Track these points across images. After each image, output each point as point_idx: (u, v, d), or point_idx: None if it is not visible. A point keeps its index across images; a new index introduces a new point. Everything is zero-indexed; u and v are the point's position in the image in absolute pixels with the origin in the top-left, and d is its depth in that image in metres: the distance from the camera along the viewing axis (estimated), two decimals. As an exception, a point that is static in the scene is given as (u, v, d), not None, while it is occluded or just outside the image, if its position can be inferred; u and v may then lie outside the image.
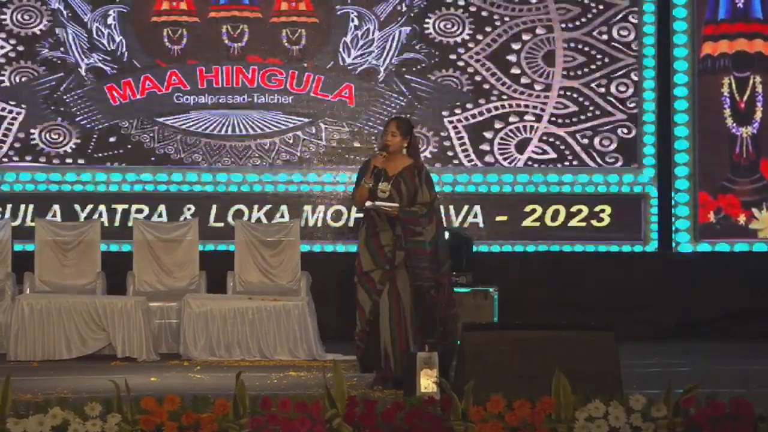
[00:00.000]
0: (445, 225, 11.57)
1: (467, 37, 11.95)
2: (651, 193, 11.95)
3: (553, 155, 11.95)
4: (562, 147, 11.95)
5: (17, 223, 11.61)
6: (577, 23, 11.99)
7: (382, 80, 11.96)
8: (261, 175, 11.88)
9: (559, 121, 11.95)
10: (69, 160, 11.80)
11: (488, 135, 11.93)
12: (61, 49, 11.81)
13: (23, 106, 11.81)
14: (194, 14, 11.96)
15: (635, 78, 11.99)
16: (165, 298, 10.69)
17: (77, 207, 11.78)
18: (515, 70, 11.95)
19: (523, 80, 11.94)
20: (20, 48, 11.80)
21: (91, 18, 11.86)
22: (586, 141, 11.95)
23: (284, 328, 10.18)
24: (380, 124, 11.47)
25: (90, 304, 10.14)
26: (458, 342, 8.24)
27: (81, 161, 11.81)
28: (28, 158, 11.80)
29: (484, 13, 11.97)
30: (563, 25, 11.97)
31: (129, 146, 11.85)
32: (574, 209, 11.95)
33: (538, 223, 11.95)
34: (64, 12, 11.83)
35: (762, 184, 11.94)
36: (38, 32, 11.81)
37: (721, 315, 11.68)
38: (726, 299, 11.65)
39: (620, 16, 12.01)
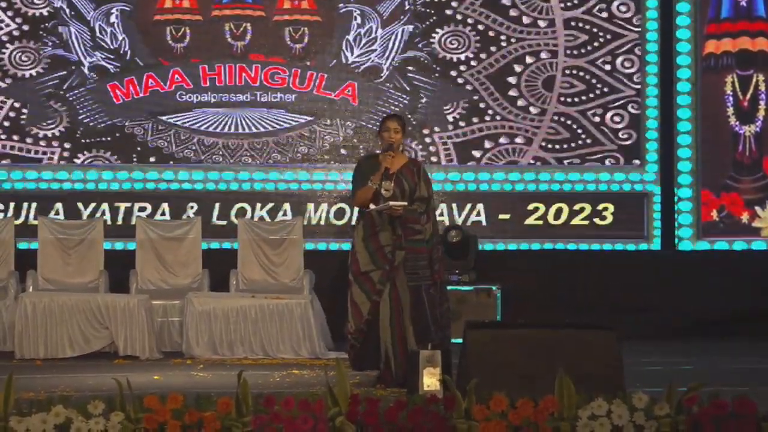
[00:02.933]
0: (448, 222, 11.64)
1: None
2: (654, 191, 11.95)
3: (557, 152, 11.96)
4: (571, 131, 11.94)
5: (20, 221, 11.62)
6: (577, 4, 12.01)
7: (385, 78, 11.96)
8: (264, 173, 11.88)
9: (566, 100, 11.96)
10: (72, 158, 11.80)
11: (512, 80, 11.90)
12: (64, 47, 11.82)
13: (26, 104, 11.81)
14: (197, 12, 11.96)
15: (638, 73, 11.98)
16: (168, 296, 10.70)
17: (80, 205, 11.79)
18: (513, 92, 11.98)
19: (520, 103, 11.97)
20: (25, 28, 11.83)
21: (93, 16, 11.86)
22: (597, 119, 11.95)
23: (287, 326, 10.18)
24: (383, 123, 11.47)
25: (93, 302, 10.14)
26: (450, 339, 8.29)
27: (83, 159, 11.81)
28: (31, 156, 11.80)
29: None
30: (567, 51, 11.99)
31: (132, 144, 11.85)
32: (577, 207, 11.95)
33: (540, 222, 11.95)
34: (67, 10, 11.83)
35: (765, 182, 11.93)
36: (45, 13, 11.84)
37: (724, 313, 11.66)
38: (729, 297, 11.64)
39: (623, 13, 12.01)
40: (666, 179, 11.96)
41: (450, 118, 11.94)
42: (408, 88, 11.95)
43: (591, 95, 11.99)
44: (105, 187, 11.80)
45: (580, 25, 11.99)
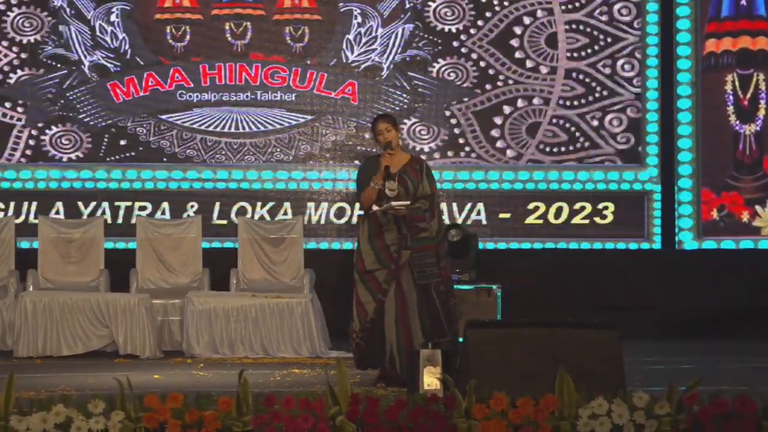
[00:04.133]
0: (448, 221, 11.64)
1: (468, 24, 11.97)
2: (654, 190, 11.95)
3: (555, 155, 11.96)
4: (571, 130, 11.93)
5: (20, 220, 11.62)
6: (578, 4, 12.00)
7: (385, 77, 11.96)
8: (264, 172, 11.89)
9: (567, 104, 11.95)
10: (72, 158, 11.81)
11: (498, 121, 11.92)
12: (65, 46, 11.82)
13: (26, 103, 11.81)
14: (197, 11, 11.96)
15: (638, 74, 11.98)
16: (168, 296, 10.70)
17: (80, 204, 11.79)
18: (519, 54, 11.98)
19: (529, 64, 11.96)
20: (23, 55, 11.83)
21: (94, 15, 11.86)
22: (596, 123, 11.95)
23: (287, 325, 10.19)
24: (383, 122, 11.47)
25: (93, 302, 10.14)
26: (458, 335, 8.29)
27: (84, 158, 11.82)
28: (32, 156, 11.81)
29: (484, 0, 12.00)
30: (563, 8, 11.98)
31: (132, 143, 11.85)
32: (577, 206, 11.95)
33: (541, 221, 11.95)
34: (67, 9, 11.83)
35: (765, 181, 11.93)
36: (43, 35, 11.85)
37: (725, 312, 11.67)
38: (729, 296, 11.64)
39: (624, 12, 12.00)
40: (666, 178, 11.96)
41: (450, 116, 11.94)
42: (408, 87, 11.95)
43: (590, 98, 11.98)
44: (105, 186, 11.81)
45: (581, 27, 11.98)
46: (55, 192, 11.78)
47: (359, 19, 11.97)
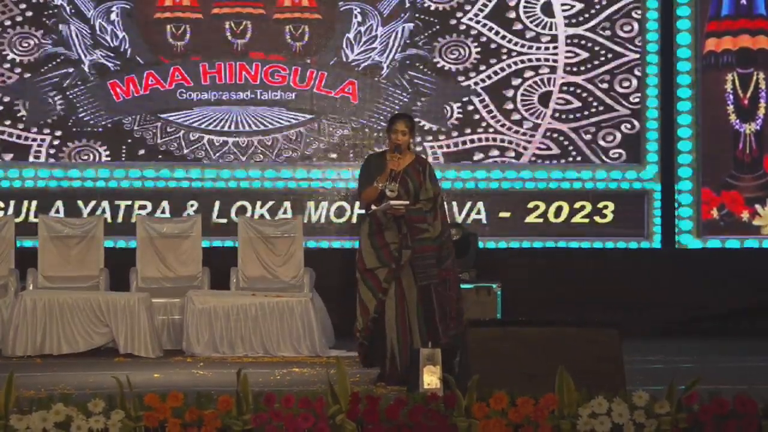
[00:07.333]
0: (449, 221, 11.64)
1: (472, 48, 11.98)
2: (654, 189, 11.95)
3: (556, 151, 11.94)
4: (566, 143, 11.94)
5: (20, 219, 11.62)
6: (580, 18, 12.00)
7: (385, 76, 11.96)
8: (264, 171, 11.89)
9: (563, 117, 11.95)
10: (72, 157, 11.80)
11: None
12: (65, 45, 11.82)
13: (26, 101, 11.81)
14: (197, 10, 11.96)
15: (638, 74, 11.98)
16: (168, 294, 10.70)
17: (80, 203, 11.79)
18: (510, 98, 11.97)
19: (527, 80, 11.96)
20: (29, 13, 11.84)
21: (94, 14, 11.86)
22: (589, 137, 11.94)
23: (287, 324, 10.18)
24: (384, 121, 11.49)
25: (93, 300, 10.14)
26: (459, 338, 8.28)
27: (84, 157, 11.82)
28: (31, 154, 11.80)
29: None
30: (566, 21, 11.98)
31: (132, 142, 11.85)
32: (577, 205, 11.95)
33: (541, 220, 11.95)
34: (67, 8, 11.83)
35: (765, 180, 11.93)
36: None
37: (724, 311, 11.67)
38: (729, 295, 11.64)
39: (624, 12, 12.00)
40: (666, 177, 11.95)
41: (448, 116, 11.93)
42: (408, 87, 11.95)
43: (586, 112, 11.99)
44: (105, 185, 11.80)
45: (582, 42, 11.99)
46: (55, 190, 11.77)
47: (359, 18, 11.97)
